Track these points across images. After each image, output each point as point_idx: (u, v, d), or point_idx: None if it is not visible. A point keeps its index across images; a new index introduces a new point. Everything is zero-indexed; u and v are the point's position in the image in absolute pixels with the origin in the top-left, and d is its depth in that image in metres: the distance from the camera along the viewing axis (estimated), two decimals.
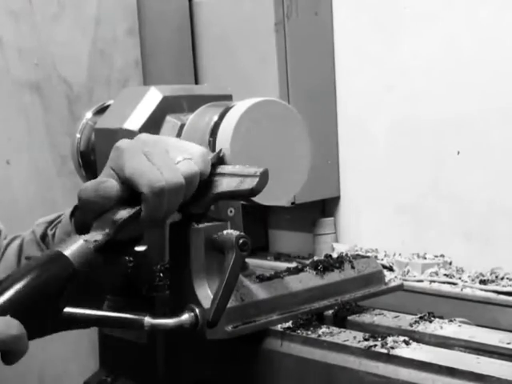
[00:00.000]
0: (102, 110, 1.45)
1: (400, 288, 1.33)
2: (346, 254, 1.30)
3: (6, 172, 2.43)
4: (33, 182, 2.49)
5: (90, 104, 1.55)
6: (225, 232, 1.05)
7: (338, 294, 1.23)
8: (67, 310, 0.91)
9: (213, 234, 1.06)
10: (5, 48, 2.42)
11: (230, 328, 1.07)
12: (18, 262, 1.19)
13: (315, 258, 1.38)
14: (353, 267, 1.25)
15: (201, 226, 1.06)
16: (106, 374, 1.41)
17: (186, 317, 1.03)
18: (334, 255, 1.29)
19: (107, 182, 0.97)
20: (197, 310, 1.03)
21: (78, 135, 1.47)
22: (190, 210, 1.04)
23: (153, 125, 1.28)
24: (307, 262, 1.34)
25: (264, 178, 1.00)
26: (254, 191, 1.00)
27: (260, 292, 1.13)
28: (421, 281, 2.29)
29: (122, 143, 1.02)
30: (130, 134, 1.27)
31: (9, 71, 2.41)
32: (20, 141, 2.47)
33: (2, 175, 2.42)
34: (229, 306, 1.02)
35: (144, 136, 1.05)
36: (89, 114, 1.50)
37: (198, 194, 1.02)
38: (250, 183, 1.00)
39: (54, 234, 1.17)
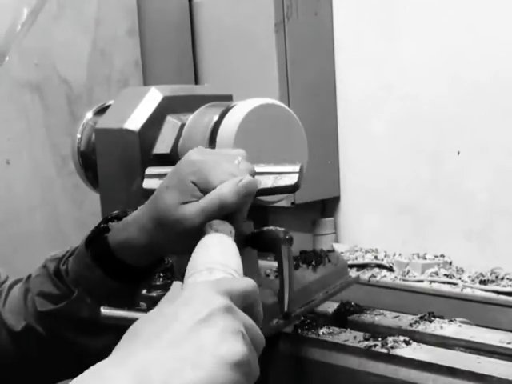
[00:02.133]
0: (102, 110, 1.46)
1: (358, 279, 1.38)
2: (322, 250, 1.33)
3: (6, 172, 2.43)
4: (33, 182, 2.49)
5: (90, 104, 1.56)
6: (266, 229, 1.08)
7: (325, 286, 1.25)
8: (104, 311, 0.93)
9: (244, 232, 1.07)
10: None
11: (274, 323, 1.08)
12: (25, 301, 1.17)
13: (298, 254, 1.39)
14: (329, 261, 1.27)
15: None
16: None
17: None
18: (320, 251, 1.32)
19: (245, 180, 0.98)
20: None
21: (79, 135, 1.47)
22: None
23: (153, 125, 1.28)
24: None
25: (302, 173, 1.04)
26: (297, 186, 1.04)
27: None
28: (421, 281, 2.29)
29: (193, 156, 1.02)
30: (130, 134, 1.27)
31: (9, 71, 2.41)
32: (20, 141, 2.47)
33: (2, 175, 2.42)
34: (269, 302, 1.05)
35: (199, 150, 1.05)
36: (89, 114, 1.50)
37: None
38: (290, 179, 1.04)
39: (66, 270, 1.14)
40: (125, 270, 1.07)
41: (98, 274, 1.08)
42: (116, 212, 1.13)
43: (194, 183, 1.00)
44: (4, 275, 1.27)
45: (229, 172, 1.00)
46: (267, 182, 1.05)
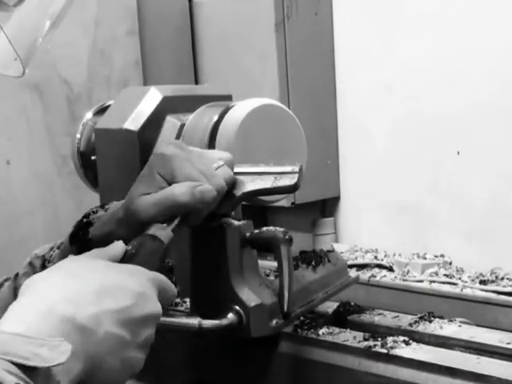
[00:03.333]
0: (102, 111, 1.46)
1: (358, 279, 1.39)
2: (321, 250, 1.33)
3: (6, 172, 2.43)
4: (33, 182, 2.49)
5: (90, 104, 1.56)
6: (265, 229, 1.08)
7: (325, 286, 1.25)
8: None
9: (244, 233, 1.08)
10: None
11: (273, 323, 1.08)
12: (14, 299, 1.17)
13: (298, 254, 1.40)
14: (329, 261, 1.28)
15: (235, 224, 1.07)
16: None
17: (231, 317, 1.04)
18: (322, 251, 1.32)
19: (204, 187, 0.98)
20: (240, 310, 1.05)
21: (78, 135, 1.48)
22: (217, 211, 1.05)
23: (153, 125, 1.28)
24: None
25: (301, 173, 1.05)
26: (297, 186, 1.04)
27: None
28: (421, 281, 2.29)
29: (167, 150, 1.03)
30: (130, 134, 1.27)
31: None
32: (20, 141, 2.47)
33: (2, 175, 2.42)
34: (269, 302, 1.05)
35: (181, 143, 1.06)
36: (89, 115, 1.50)
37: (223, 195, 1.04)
38: (290, 179, 1.04)
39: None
40: None
41: None
42: (97, 206, 1.14)
43: (161, 176, 1.00)
44: None
45: (198, 171, 1.00)
46: (267, 183, 1.05)
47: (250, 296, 1.06)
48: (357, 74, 2.70)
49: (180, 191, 0.98)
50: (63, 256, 1.12)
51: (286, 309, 1.05)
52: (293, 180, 1.04)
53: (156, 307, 0.84)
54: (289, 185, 1.04)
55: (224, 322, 1.04)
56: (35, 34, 1.13)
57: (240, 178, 1.07)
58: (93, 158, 1.41)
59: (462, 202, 2.43)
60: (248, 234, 1.08)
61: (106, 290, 0.81)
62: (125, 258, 0.91)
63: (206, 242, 1.09)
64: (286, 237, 1.06)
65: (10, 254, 2.26)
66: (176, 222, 0.99)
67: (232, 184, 1.05)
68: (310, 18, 2.70)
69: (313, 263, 1.24)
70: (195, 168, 1.01)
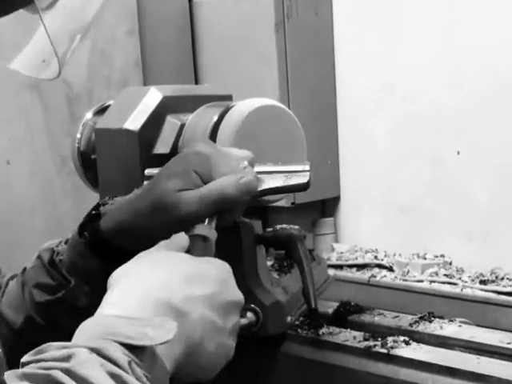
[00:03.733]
0: (102, 110, 1.45)
1: (334, 278, 1.40)
2: (309, 249, 1.34)
3: (6, 172, 2.43)
4: (33, 182, 2.49)
5: (90, 104, 1.56)
6: (279, 227, 1.09)
7: (316, 283, 1.26)
8: None
9: (257, 231, 1.08)
10: (5, 48, 2.42)
11: (289, 319, 1.09)
12: (22, 294, 1.17)
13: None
14: (314, 259, 1.28)
15: (249, 223, 1.08)
16: None
17: (250, 316, 1.05)
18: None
19: (247, 178, 1.00)
20: (257, 309, 1.06)
21: (78, 135, 1.47)
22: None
23: (153, 125, 1.28)
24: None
25: (311, 172, 1.06)
26: (309, 184, 1.05)
27: (291, 284, 1.15)
28: (421, 281, 2.29)
29: (203, 148, 1.03)
30: (130, 134, 1.27)
31: (9, 71, 2.41)
32: (20, 141, 2.47)
33: (2, 175, 2.42)
34: (283, 299, 1.06)
35: (209, 142, 1.08)
36: (89, 115, 1.50)
37: None
38: (302, 177, 1.05)
39: (61, 259, 1.14)
40: (120, 255, 1.03)
41: (93, 261, 1.07)
42: (107, 198, 1.13)
43: (197, 173, 1.00)
44: (3, 272, 1.28)
45: (232, 169, 1.01)
46: (278, 182, 1.06)
47: (265, 294, 1.07)
48: (357, 74, 2.70)
49: (227, 184, 0.99)
50: (73, 249, 1.12)
51: (313, 305, 1.06)
52: (305, 178, 1.05)
53: (238, 295, 0.87)
54: (301, 183, 1.05)
55: (243, 321, 1.05)
56: (67, 49, 1.13)
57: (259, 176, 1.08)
58: (93, 157, 1.41)
59: (462, 202, 2.43)
60: (260, 233, 1.09)
61: (193, 278, 0.83)
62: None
63: (219, 243, 1.09)
64: (302, 234, 1.08)
65: (10, 253, 2.26)
66: (215, 219, 0.99)
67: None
68: (310, 18, 2.70)
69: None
70: (228, 165, 1.02)
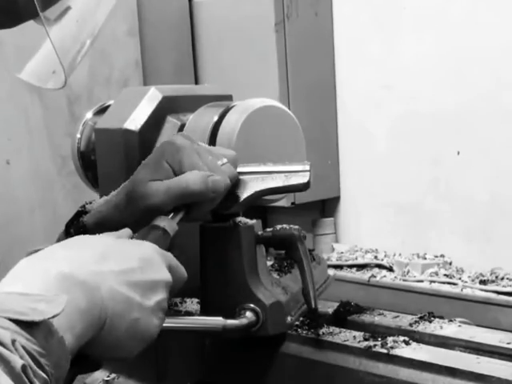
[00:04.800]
0: (102, 110, 1.45)
1: (333, 278, 1.39)
2: (308, 249, 1.34)
3: (6, 172, 2.43)
4: (33, 182, 2.49)
5: (90, 104, 1.55)
6: (280, 227, 1.09)
7: (316, 284, 1.26)
8: None
9: (256, 232, 1.09)
10: (5, 48, 2.42)
11: (289, 320, 1.09)
12: None
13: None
14: (314, 259, 1.28)
15: (249, 223, 1.08)
16: (107, 374, 1.41)
17: (250, 316, 1.05)
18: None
19: (216, 177, 1.00)
20: (257, 309, 1.06)
21: (78, 135, 1.47)
22: (227, 210, 1.06)
23: (153, 125, 1.28)
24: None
25: (311, 172, 1.06)
26: (309, 184, 1.05)
27: (291, 284, 1.15)
28: (421, 281, 2.29)
29: (177, 139, 1.04)
30: (130, 134, 1.27)
31: (9, 71, 2.41)
32: (20, 141, 2.47)
33: (2, 175, 2.42)
34: (283, 299, 1.06)
35: (186, 136, 1.07)
36: (89, 114, 1.50)
37: (228, 194, 1.05)
38: (302, 177, 1.06)
39: None
40: None
41: None
42: (94, 199, 1.14)
43: (169, 164, 1.01)
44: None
45: (205, 163, 1.01)
46: (278, 182, 1.06)
47: (265, 294, 1.07)
48: (357, 74, 2.70)
49: (194, 179, 0.99)
50: None
51: (313, 305, 1.06)
52: (305, 178, 1.05)
53: (164, 274, 0.84)
54: (301, 183, 1.05)
55: (244, 321, 1.05)
56: (76, 47, 1.14)
57: (247, 177, 1.08)
58: (93, 158, 1.41)
59: (462, 202, 2.43)
60: (260, 233, 1.09)
61: (108, 254, 0.81)
62: None
63: (219, 243, 1.09)
64: (301, 234, 1.08)
65: (10, 253, 2.26)
66: (181, 214, 0.99)
67: (234, 182, 1.06)
68: (310, 18, 2.70)
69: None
70: (202, 161, 1.01)
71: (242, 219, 1.09)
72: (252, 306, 1.07)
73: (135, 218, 1.00)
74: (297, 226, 1.09)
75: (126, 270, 0.80)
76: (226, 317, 1.04)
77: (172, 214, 0.99)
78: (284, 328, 1.09)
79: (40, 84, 1.14)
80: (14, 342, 0.65)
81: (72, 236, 1.10)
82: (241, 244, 1.08)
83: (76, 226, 1.11)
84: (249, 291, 1.07)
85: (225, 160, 1.05)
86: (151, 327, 0.82)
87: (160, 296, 0.83)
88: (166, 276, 0.85)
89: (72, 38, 1.12)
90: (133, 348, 0.82)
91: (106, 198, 1.10)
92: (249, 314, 1.06)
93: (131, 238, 0.92)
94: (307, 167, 1.06)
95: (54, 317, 0.68)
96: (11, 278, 0.76)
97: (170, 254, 0.88)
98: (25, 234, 2.43)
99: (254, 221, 1.10)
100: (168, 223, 0.96)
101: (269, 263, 1.20)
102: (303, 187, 1.06)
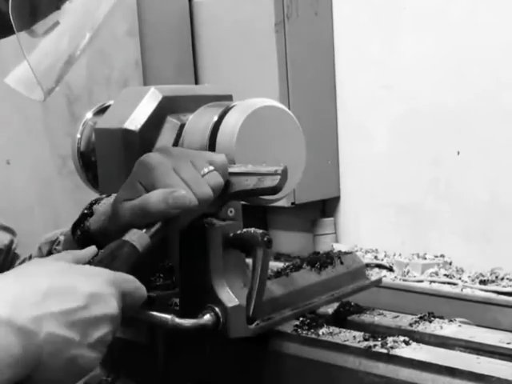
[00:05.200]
0: (102, 111, 1.45)
1: (379, 282, 1.36)
2: (332, 251, 1.32)
3: (6, 172, 2.43)
4: (33, 182, 2.49)
5: (90, 104, 1.55)
6: (245, 230, 1.06)
7: (333, 289, 1.24)
8: None
9: (229, 233, 1.07)
10: (5, 48, 2.42)
11: (252, 325, 1.07)
12: None
13: (307, 255, 1.39)
14: (342, 263, 1.26)
15: (218, 224, 1.06)
16: (106, 374, 1.41)
17: (207, 317, 1.04)
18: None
19: (178, 193, 0.98)
20: (218, 310, 1.04)
21: (78, 135, 1.47)
22: (209, 210, 1.05)
23: (153, 125, 1.28)
24: (297, 259, 1.35)
25: (284, 175, 1.02)
26: (277, 189, 1.02)
27: (274, 289, 1.13)
28: (421, 281, 2.29)
29: (151, 159, 1.02)
30: (130, 134, 1.27)
31: (9, 71, 2.41)
32: (20, 141, 2.47)
33: (2, 175, 2.42)
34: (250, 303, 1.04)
35: (168, 148, 1.06)
36: (89, 115, 1.49)
37: None
38: (271, 181, 1.02)
39: (58, 252, 1.15)
40: None
41: None
42: (103, 197, 1.14)
43: (142, 185, 1.01)
44: (7, 239, 1.29)
45: (180, 179, 1.00)
46: (250, 184, 1.04)
47: (229, 297, 1.05)
48: (357, 74, 2.70)
49: (154, 199, 0.98)
50: (66, 244, 1.14)
51: (250, 314, 1.03)
52: (274, 182, 1.01)
53: (110, 308, 0.84)
54: (269, 186, 1.02)
55: (200, 321, 1.04)
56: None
57: (231, 178, 1.06)
58: (93, 158, 1.41)
59: (462, 202, 2.43)
60: (232, 235, 1.07)
61: (53, 292, 0.81)
62: (93, 263, 0.91)
63: (189, 242, 1.09)
64: (265, 239, 1.04)
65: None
66: (155, 228, 0.98)
67: (220, 190, 1.04)
68: (310, 18, 2.70)
69: (317, 265, 1.24)
70: (178, 177, 1.00)
71: (211, 220, 1.08)
72: (212, 306, 1.06)
73: (112, 233, 1.01)
74: (261, 231, 1.06)
75: (67, 310, 0.80)
76: (195, 315, 1.04)
77: (145, 229, 0.98)
78: (247, 332, 1.07)
79: (24, 92, 1.14)
80: None
81: (78, 238, 1.11)
82: (207, 244, 1.07)
83: (82, 230, 1.11)
84: (213, 292, 1.06)
85: (211, 167, 1.03)
86: (89, 363, 0.82)
87: (103, 331, 0.83)
88: (112, 310, 0.84)
89: (55, 54, 1.11)
90: (70, 382, 0.83)
91: (107, 203, 1.10)
92: (207, 315, 1.05)
93: (96, 255, 0.92)
94: (279, 170, 1.02)
95: None
96: None
97: (124, 277, 0.88)
98: (24, 233, 2.43)
99: (226, 222, 1.09)
100: (138, 237, 0.95)
101: (280, 264, 1.20)
102: (272, 191, 1.02)
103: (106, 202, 1.12)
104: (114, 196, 1.10)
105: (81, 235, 1.11)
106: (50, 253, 1.16)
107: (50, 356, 0.78)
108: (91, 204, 1.14)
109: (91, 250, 0.94)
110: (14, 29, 0.99)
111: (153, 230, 0.98)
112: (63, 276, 0.84)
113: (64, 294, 0.81)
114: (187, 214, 1.01)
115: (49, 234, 1.25)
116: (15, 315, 0.76)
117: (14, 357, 0.74)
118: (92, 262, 0.92)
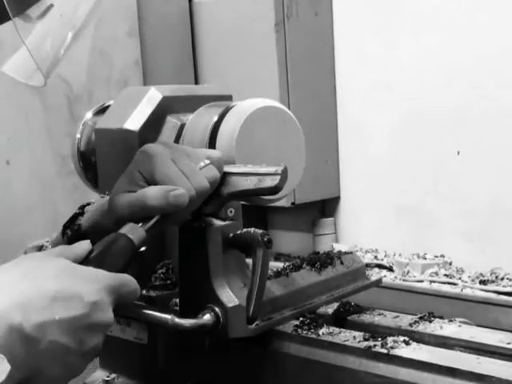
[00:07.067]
0: (102, 111, 1.45)
1: (379, 282, 1.36)
2: (332, 251, 1.32)
3: (6, 172, 2.43)
4: (33, 182, 2.49)
5: (90, 104, 1.56)
6: (245, 230, 1.06)
7: (333, 289, 1.24)
8: None
9: (229, 233, 1.07)
10: (4, 48, 2.42)
11: (252, 325, 1.07)
12: None
13: (307, 255, 1.39)
14: (342, 263, 1.26)
15: (217, 224, 1.06)
16: (107, 374, 1.40)
17: (207, 317, 1.04)
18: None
19: (178, 191, 0.97)
20: (218, 310, 1.04)
21: (78, 135, 1.47)
22: (203, 210, 1.05)
23: (153, 125, 1.28)
24: (297, 259, 1.35)
25: (284, 175, 1.02)
26: (277, 188, 1.02)
27: (274, 289, 1.13)
28: (421, 281, 2.29)
29: (150, 148, 1.02)
30: (130, 134, 1.27)
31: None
32: (20, 141, 2.47)
33: (2, 175, 2.42)
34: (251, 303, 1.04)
35: (168, 143, 1.06)
36: (89, 115, 1.49)
37: (210, 194, 1.03)
38: (271, 181, 1.02)
39: None
40: None
41: None
42: (94, 201, 1.14)
43: (140, 173, 1.01)
44: None
45: (179, 170, 1.00)
46: (250, 184, 1.04)
47: (229, 297, 1.05)
48: (357, 74, 2.70)
49: (152, 195, 0.98)
50: (55, 246, 1.13)
51: (250, 314, 1.03)
52: (274, 182, 1.01)
53: (106, 316, 0.85)
54: (269, 186, 1.02)
55: (200, 321, 1.04)
56: (57, 46, 1.13)
57: (229, 177, 1.06)
58: (93, 158, 1.41)
59: (463, 203, 2.43)
60: (232, 235, 1.07)
61: (60, 298, 0.81)
62: (91, 257, 0.91)
63: (189, 242, 1.09)
64: (265, 239, 1.04)
65: (10, 253, 2.26)
66: (151, 222, 0.98)
67: (217, 184, 1.04)
68: (310, 18, 2.70)
69: (317, 265, 1.24)
70: (176, 167, 1.00)
71: (210, 220, 1.08)
72: (212, 306, 1.06)
73: (110, 227, 1.00)
74: (261, 231, 1.06)
75: (70, 318, 0.81)
76: (195, 315, 1.04)
77: (141, 223, 0.98)
78: (246, 333, 1.07)
79: (22, 79, 1.14)
80: None
81: (68, 237, 1.11)
82: (206, 245, 1.07)
83: (72, 228, 1.11)
84: (212, 293, 1.06)
85: (207, 161, 1.03)
86: (79, 368, 0.84)
87: (96, 341, 0.84)
88: (108, 319, 0.85)
89: (52, 37, 1.11)
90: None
91: (101, 201, 1.10)
92: (207, 315, 1.05)
93: (91, 249, 0.92)
94: (279, 170, 1.02)
95: None
96: None
97: (123, 283, 0.88)
98: (24, 233, 2.43)
99: (226, 222, 1.09)
100: (134, 231, 0.95)
101: (281, 264, 1.20)
102: (272, 191, 1.02)
103: (99, 202, 1.12)
104: (107, 198, 1.09)
105: (71, 234, 1.11)
106: None
107: (49, 363, 0.80)
108: (83, 206, 1.14)
109: (86, 245, 0.93)
110: (9, 14, 0.98)
111: (149, 224, 0.98)
112: (69, 280, 0.84)
113: (70, 300, 0.82)
114: (183, 211, 1.01)
115: (35, 242, 1.25)
116: (25, 322, 0.77)
117: (17, 362, 0.75)
118: (89, 257, 0.92)
